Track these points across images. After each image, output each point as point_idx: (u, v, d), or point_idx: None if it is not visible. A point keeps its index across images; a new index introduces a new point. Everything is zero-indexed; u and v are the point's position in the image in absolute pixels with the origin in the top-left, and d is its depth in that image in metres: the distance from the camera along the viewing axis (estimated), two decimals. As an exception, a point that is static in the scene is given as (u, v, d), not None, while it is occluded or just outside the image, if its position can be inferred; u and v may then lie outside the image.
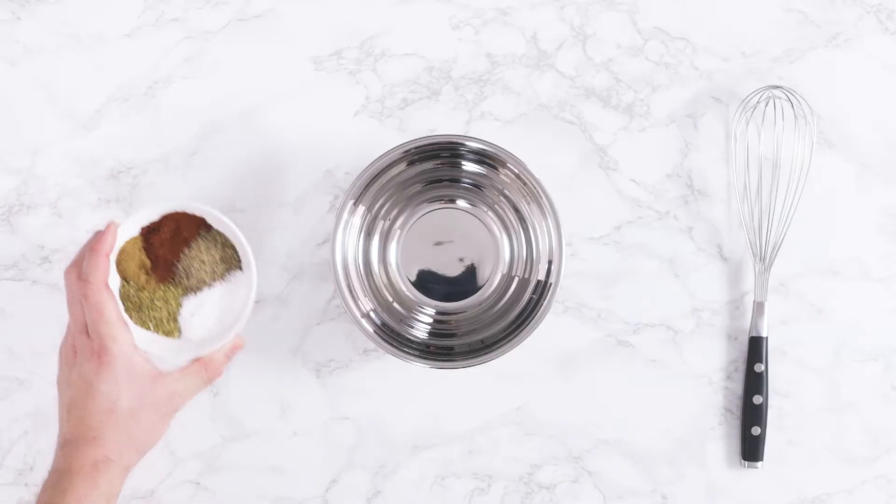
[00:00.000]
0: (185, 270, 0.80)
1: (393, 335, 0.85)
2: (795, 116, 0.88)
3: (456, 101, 0.90)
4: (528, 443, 0.89)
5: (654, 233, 0.89)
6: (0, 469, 0.88)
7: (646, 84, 0.90)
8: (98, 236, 0.77)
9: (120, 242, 0.79)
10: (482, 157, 0.84)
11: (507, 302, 0.87)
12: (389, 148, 0.83)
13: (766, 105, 0.88)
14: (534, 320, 0.83)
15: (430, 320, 0.87)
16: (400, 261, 0.87)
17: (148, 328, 0.79)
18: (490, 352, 0.82)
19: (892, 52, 0.90)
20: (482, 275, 0.87)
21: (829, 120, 0.90)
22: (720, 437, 0.89)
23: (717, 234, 0.90)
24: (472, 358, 0.83)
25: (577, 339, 0.89)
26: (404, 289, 0.87)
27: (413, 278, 0.87)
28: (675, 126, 0.90)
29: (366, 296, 0.85)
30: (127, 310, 0.79)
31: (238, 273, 0.80)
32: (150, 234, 0.80)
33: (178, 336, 0.80)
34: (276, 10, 0.90)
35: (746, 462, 0.88)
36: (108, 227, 0.77)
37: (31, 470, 0.88)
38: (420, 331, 0.87)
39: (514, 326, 0.84)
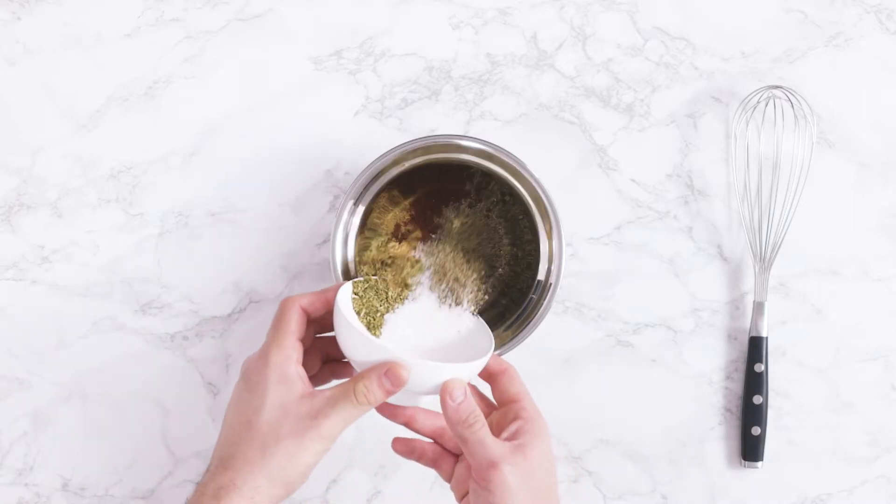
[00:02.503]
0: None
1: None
2: (795, 116, 0.88)
3: (456, 101, 0.90)
4: (528, 443, 0.88)
5: (654, 233, 0.90)
6: (0, 469, 0.88)
7: (646, 84, 0.90)
8: (331, 287, 0.75)
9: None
10: (482, 157, 0.84)
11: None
12: (389, 148, 0.83)
13: (766, 105, 0.88)
14: (534, 320, 0.83)
15: (430, 320, 0.87)
16: (400, 261, 0.87)
17: (359, 311, 0.74)
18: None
19: (892, 52, 0.90)
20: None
21: (829, 120, 0.90)
22: (720, 437, 0.89)
23: (717, 234, 0.90)
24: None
25: (577, 339, 0.89)
26: (404, 289, 0.87)
27: (413, 278, 0.87)
28: (675, 126, 0.90)
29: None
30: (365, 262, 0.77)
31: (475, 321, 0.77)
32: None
33: (376, 335, 0.73)
34: (276, 10, 0.90)
35: (746, 462, 0.88)
36: (335, 286, 0.74)
37: (31, 470, 0.88)
38: (420, 330, 0.87)
39: (514, 326, 0.84)
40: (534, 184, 0.83)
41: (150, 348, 0.89)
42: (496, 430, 0.71)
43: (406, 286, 0.80)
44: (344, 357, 0.77)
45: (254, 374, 0.70)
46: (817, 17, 0.91)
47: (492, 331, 0.84)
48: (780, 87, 0.87)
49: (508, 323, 0.85)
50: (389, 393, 0.69)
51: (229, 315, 0.89)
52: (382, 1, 0.90)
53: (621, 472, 0.89)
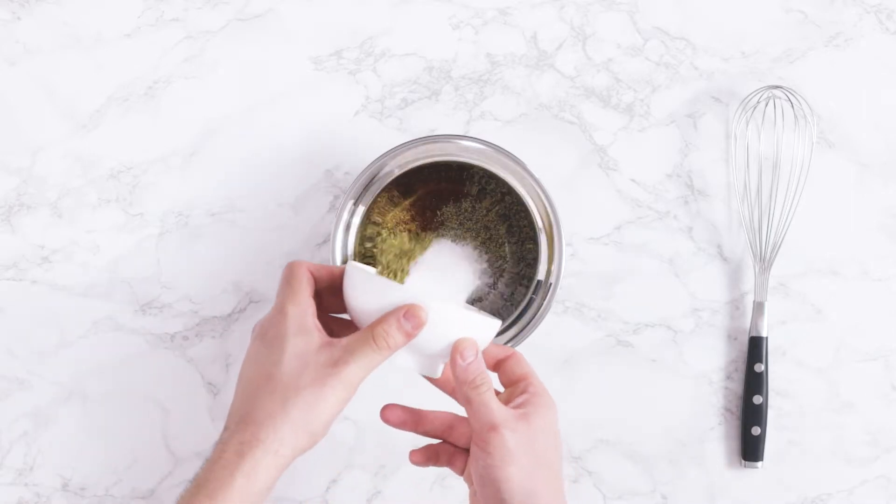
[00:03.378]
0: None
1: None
2: (795, 116, 0.88)
3: (456, 101, 0.90)
4: (528, 443, 0.88)
5: (654, 233, 0.89)
6: (0, 469, 0.88)
7: (646, 84, 0.90)
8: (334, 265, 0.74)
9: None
10: (482, 157, 0.84)
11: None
12: (389, 148, 0.83)
13: (766, 105, 0.88)
14: (534, 320, 0.83)
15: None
16: (400, 261, 0.87)
17: (379, 262, 0.74)
18: (490, 352, 0.82)
19: (892, 52, 0.90)
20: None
21: (829, 120, 0.90)
22: (720, 437, 0.89)
23: (717, 234, 0.90)
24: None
25: (577, 339, 0.89)
26: (404, 289, 0.87)
27: (413, 278, 0.87)
28: (675, 126, 0.90)
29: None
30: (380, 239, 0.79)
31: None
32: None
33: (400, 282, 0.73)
34: (276, 10, 0.90)
35: (746, 462, 0.88)
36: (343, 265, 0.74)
37: (30, 470, 0.88)
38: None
39: (514, 326, 0.84)
40: (534, 184, 0.83)
41: (150, 348, 0.89)
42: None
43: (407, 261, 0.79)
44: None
45: (271, 329, 0.70)
46: (817, 17, 0.91)
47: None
48: (780, 87, 0.87)
49: (508, 323, 0.85)
50: (409, 336, 0.68)
51: (229, 315, 0.89)
52: (382, 1, 0.90)
53: (621, 472, 0.89)
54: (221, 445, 0.67)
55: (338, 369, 0.67)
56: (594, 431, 0.89)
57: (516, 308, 0.85)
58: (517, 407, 0.70)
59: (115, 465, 0.88)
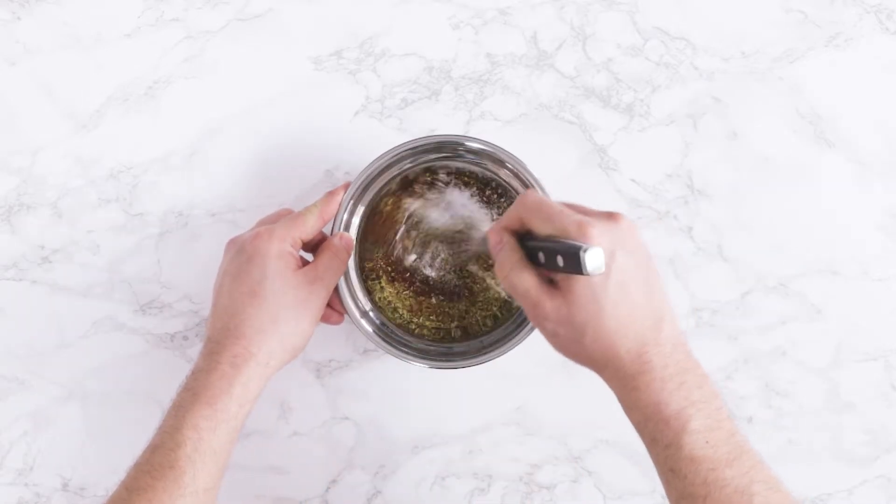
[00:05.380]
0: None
1: (392, 335, 0.85)
2: (796, 116, 0.88)
3: (456, 101, 0.90)
4: (528, 443, 0.89)
5: (654, 233, 0.89)
6: (0, 469, 0.88)
7: (646, 84, 0.90)
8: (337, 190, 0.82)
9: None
10: (482, 157, 0.84)
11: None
12: (389, 148, 0.83)
13: (766, 104, 0.88)
14: (534, 320, 0.83)
15: (430, 320, 0.87)
16: (400, 261, 0.87)
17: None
18: (490, 352, 0.82)
19: (892, 52, 0.91)
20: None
21: (829, 120, 0.90)
22: (720, 437, 0.89)
23: (717, 234, 0.90)
24: (471, 358, 0.83)
25: (577, 339, 0.89)
26: (404, 289, 0.87)
27: (413, 278, 0.87)
28: (675, 126, 0.90)
29: (366, 296, 0.86)
30: None
31: None
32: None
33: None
34: (276, 10, 0.90)
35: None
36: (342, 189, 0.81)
37: (31, 470, 0.88)
38: (420, 331, 0.87)
39: (513, 326, 0.84)
40: (534, 184, 0.83)
41: (150, 348, 0.89)
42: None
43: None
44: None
45: (249, 245, 0.75)
46: (817, 17, 0.91)
47: (491, 331, 0.85)
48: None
49: (508, 322, 0.85)
50: (349, 246, 0.80)
51: (229, 315, 0.89)
52: (382, 1, 0.90)
53: (621, 472, 0.89)
54: (215, 357, 0.72)
55: (316, 286, 0.76)
56: (594, 431, 0.89)
57: (516, 308, 0.85)
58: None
59: (115, 465, 0.88)
